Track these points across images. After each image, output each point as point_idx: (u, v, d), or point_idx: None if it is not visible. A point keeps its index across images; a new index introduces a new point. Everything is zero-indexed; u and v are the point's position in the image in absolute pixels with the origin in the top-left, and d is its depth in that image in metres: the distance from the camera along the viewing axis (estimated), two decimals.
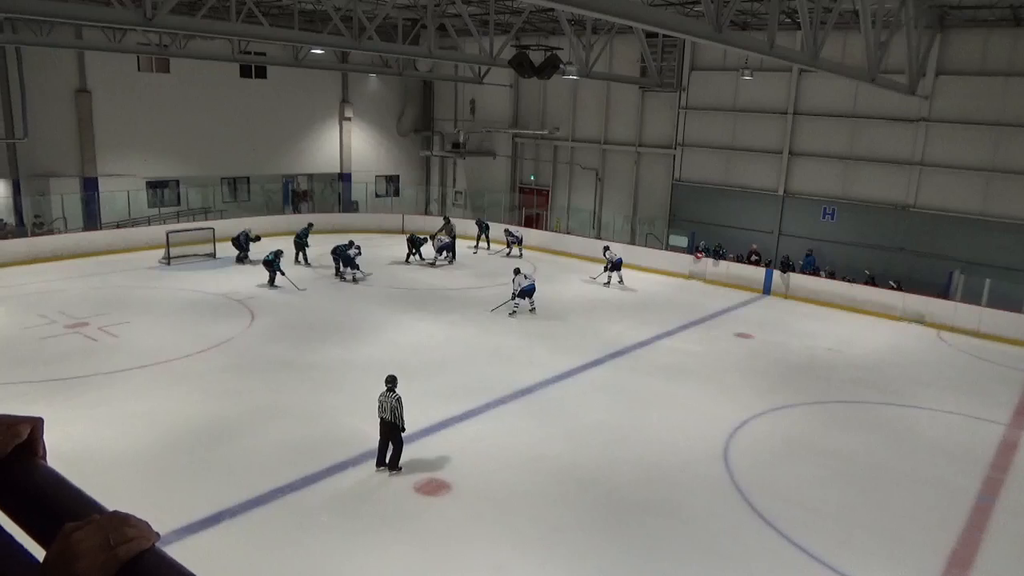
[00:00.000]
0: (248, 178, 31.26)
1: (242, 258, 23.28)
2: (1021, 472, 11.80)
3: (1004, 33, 20.62)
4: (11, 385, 13.12)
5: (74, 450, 10.16)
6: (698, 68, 26.40)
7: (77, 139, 26.03)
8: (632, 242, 27.08)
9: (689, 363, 15.91)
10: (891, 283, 21.40)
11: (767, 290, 22.70)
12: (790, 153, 24.80)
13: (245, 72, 29.34)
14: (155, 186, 28.48)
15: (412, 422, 11.65)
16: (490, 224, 27.50)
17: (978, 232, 21.51)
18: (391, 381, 10.41)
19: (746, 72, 23.13)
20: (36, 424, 0.95)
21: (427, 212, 32.73)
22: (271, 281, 20.60)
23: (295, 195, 32.78)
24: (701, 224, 26.26)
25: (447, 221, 26.62)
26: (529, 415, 12.79)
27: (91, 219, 25.89)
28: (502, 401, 13.23)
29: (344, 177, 32.94)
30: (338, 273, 21.96)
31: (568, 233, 28.54)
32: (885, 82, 15.78)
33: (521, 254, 26.25)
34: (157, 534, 0.78)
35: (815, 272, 23.00)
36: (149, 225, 26.27)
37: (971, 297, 19.98)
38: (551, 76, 19.07)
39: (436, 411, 12.45)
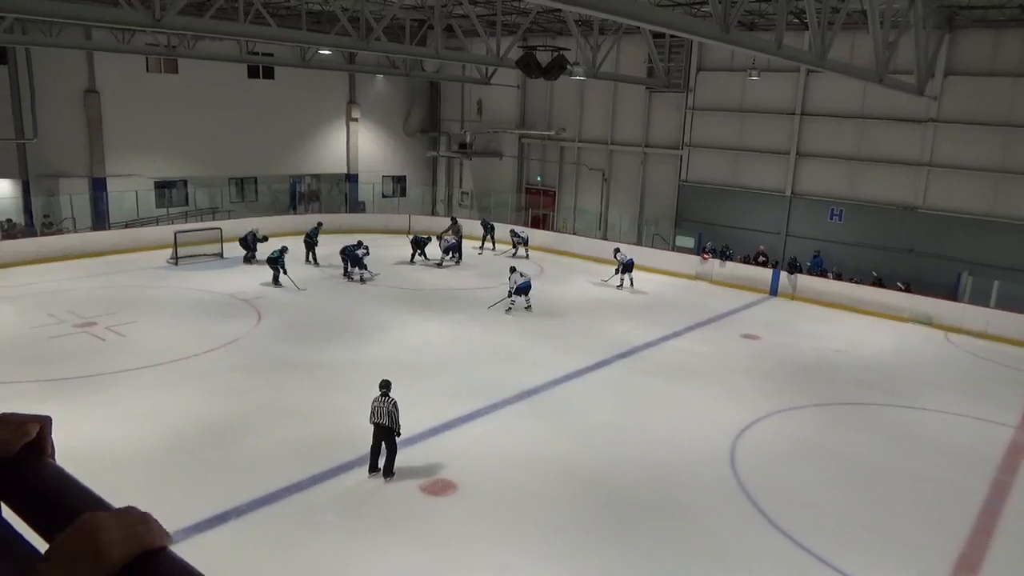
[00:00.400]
0: (256, 178, 31.38)
1: (249, 258, 23.35)
2: None
3: (1014, 33, 20.51)
4: (20, 384, 13.20)
5: (82, 448, 10.21)
6: (705, 68, 26.35)
7: (86, 139, 26.17)
8: (638, 243, 27.05)
9: (695, 364, 15.88)
10: (899, 284, 21.30)
11: (774, 291, 22.64)
12: (797, 154, 24.72)
13: (253, 73, 29.44)
14: (163, 186, 28.61)
15: (418, 422, 11.69)
16: (495, 225, 27.53)
17: (986, 233, 21.39)
18: (385, 386, 10.26)
19: (753, 72, 23.08)
20: (45, 423, 0.97)
21: (433, 212, 32.76)
22: (275, 279, 20.67)
23: (294, 196, 32.76)
24: (708, 225, 26.21)
25: (454, 221, 26.66)
26: (534, 416, 12.79)
27: (100, 219, 26.01)
28: (508, 401, 13.23)
29: (351, 177, 33.01)
30: (346, 273, 22.03)
31: (574, 234, 28.53)
32: (893, 83, 15.73)
33: (527, 255, 26.26)
34: (170, 536, 0.79)
35: (822, 273, 22.92)
36: (157, 225, 26.38)
37: (979, 298, 19.87)
38: (558, 77, 19.08)
39: (442, 411, 12.47)
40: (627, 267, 22.29)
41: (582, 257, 26.26)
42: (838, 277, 22.55)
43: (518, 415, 12.79)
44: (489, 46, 19.74)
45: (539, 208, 30.96)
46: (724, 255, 24.35)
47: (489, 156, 32.81)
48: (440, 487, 10.17)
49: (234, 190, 30.83)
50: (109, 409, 12.21)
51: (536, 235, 27.56)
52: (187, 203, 29.42)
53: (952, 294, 20.80)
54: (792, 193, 24.97)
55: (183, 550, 0.75)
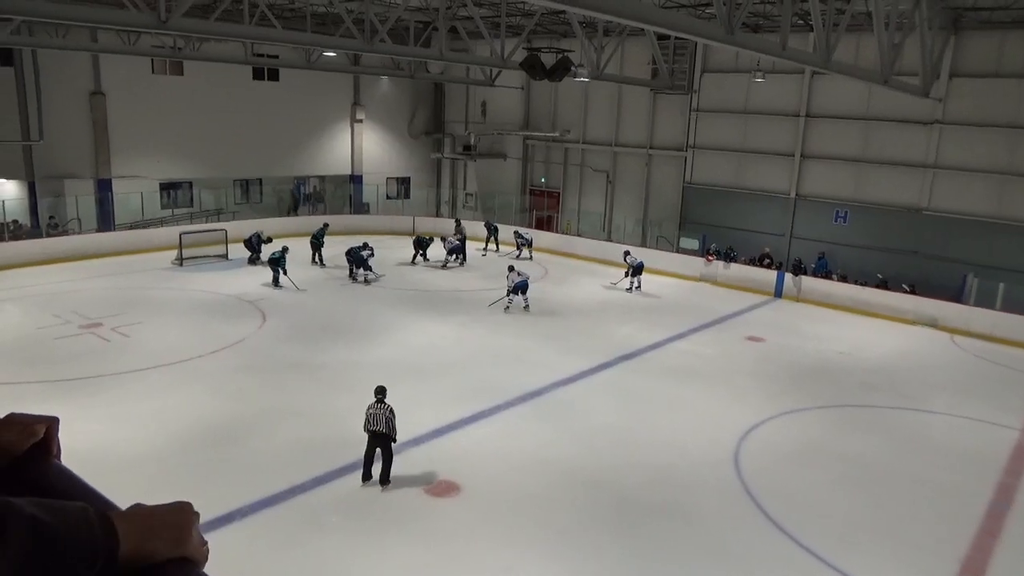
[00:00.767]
0: (260, 180, 31.43)
1: (254, 259, 23.39)
2: None
3: (1019, 35, 20.44)
4: (26, 384, 13.25)
5: (87, 449, 10.23)
6: (709, 70, 26.33)
7: (92, 141, 26.26)
8: (643, 244, 27.02)
9: (699, 366, 15.86)
10: (904, 286, 21.24)
11: (778, 293, 22.59)
12: (802, 155, 24.68)
13: (258, 75, 29.50)
14: (168, 188, 28.69)
15: (421, 424, 11.71)
16: (499, 226, 27.54)
17: (992, 235, 21.32)
18: (381, 392, 10.10)
19: (758, 74, 23.03)
20: (51, 423, 0.97)
21: (438, 214, 32.78)
22: (275, 280, 20.68)
23: (294, 198, 32.76)
24: (712, 226, 26.17)
25: (458, 223, 26.68)
26: (538, 417, 12.78)
27: (105, 220, 26.09)
28: (511, 403, 13.22)
29: (355, 179, 33.06)
30: (351, 275, 22.05)
31: (578, 235, 28.52)
32: (898, 84, 15.68)
33: (531, 256, 26.27)
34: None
35: (827, 275, 22.87)
36: (162, 226, 26.44)
37: (985, 301, 19.81)
38: (562, 78, 19.07)
39: (445, 412, 12.47)
40: (637, 270, 22.26)
41: (586, 259, 26.25)
42: (843, 279, 22.50)
43: (521, 417, 12.78)
44: (493, 48, 19.74)
45: (543, 210, 30.95)
46: (728, 257, 24.31)
47: (493, 158, 32.83)
48: (443, 488, 10.18)
49: (239, 191, 30.90)
50: (114, 410, 12.24)
51: (540, 237, 27.56)
52: (192, 204, 29.52)
53: (957, 296, 20.73)
54: (797, 195, 24.92)
55: None
